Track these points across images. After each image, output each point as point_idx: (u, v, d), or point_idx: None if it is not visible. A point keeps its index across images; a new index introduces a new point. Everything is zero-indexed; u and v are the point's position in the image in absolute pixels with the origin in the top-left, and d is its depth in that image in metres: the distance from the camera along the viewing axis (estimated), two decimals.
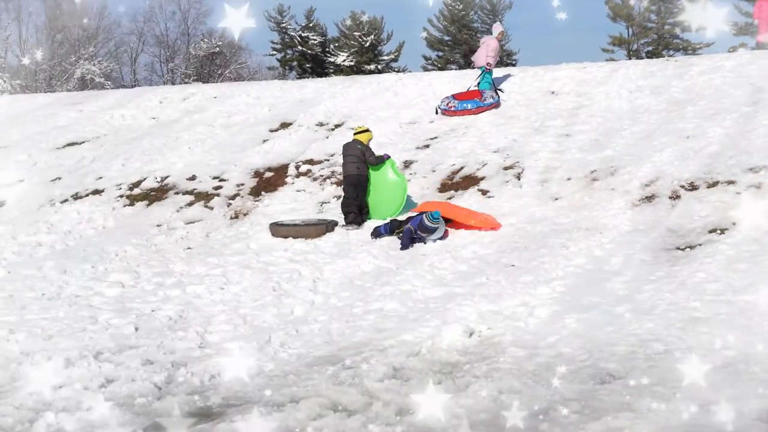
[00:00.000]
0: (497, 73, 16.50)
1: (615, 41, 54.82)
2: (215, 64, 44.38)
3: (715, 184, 10.65)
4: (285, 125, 15.87)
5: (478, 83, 15.44)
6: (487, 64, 15.39)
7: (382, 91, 17.01)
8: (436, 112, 15.12)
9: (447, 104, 15.09)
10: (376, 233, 10.57)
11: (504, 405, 5.14)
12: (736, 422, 4.66)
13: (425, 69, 52.60)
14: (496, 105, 15.04)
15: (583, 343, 6.49)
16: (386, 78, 18.44)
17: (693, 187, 10.71)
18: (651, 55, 50.88)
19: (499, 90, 15.57)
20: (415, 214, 10.56)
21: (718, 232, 9.35)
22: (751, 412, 4.82)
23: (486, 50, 15.50)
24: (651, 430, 4.56)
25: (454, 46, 55.91)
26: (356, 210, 11.26)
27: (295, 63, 55.81)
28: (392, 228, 10.55)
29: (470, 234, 10.28)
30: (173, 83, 36.81)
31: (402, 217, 10.82)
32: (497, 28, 16.16)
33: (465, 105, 14.97)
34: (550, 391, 5.40)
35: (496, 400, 5.25)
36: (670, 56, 46.05)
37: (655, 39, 54.99)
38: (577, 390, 5.42)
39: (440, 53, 55.98)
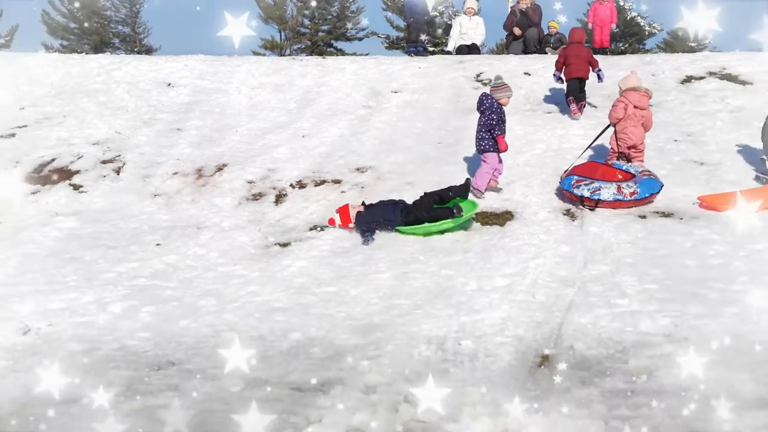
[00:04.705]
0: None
1: (267, 44, 56.99)
2: None
3: (322, 182, 11.67)
4: None
5: None
6: None
7: None
8: None
9: None
10: None
11: (35, 395, 5.27)
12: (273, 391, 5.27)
13: None
14: None
15: (152, 335, 6.81)
16: None
17: (301, 186, 11.63)
18: None
19: None
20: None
21: (318, 229, 10.27)
22: (291, 383, 5.47)
23: None
24: (187, 404, 4.97)
25: (82, 35, 54.19)
26: None
27: None
28: None
29: (46, 228, 10.29)
30: None
31: None
32: None
33: None
34: (98, 379, 5.62)
35: (29, 392, 5.35)
36: None
37: (309, 45, 58.09)
38: (128, 377, 5.70)
39: (65, 42, 53.91)
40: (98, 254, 9.42)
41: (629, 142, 11.18)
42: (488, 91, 11.14)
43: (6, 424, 4.64)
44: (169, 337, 6.70)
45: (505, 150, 10.91)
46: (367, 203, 10.25)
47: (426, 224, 9.77)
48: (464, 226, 9.96)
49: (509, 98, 11.11)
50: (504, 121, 10.98)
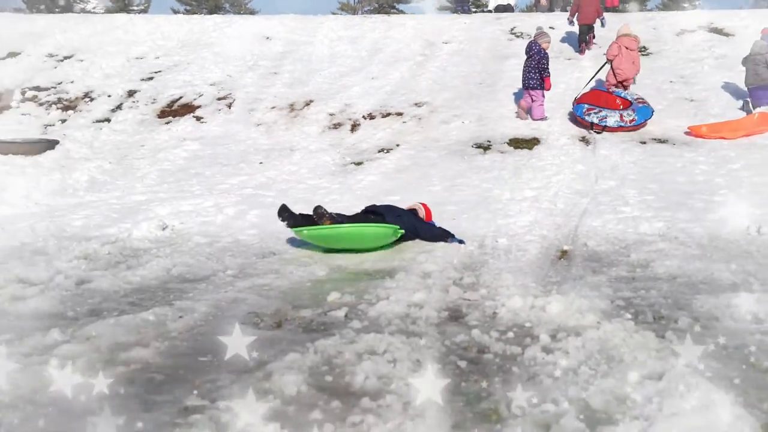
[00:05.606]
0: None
1: (343, 7, 56.01)
2: None
3: (388, 115, 11.55)
4: (12, 54, 14.64)
5: None
6: None
7: (113, 29, 16.18)
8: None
9: None
10: None
11: (173, 274, 5.40)
12: (351, 275, 5.31)
13: None
14: None
15: (257, 232, 6.90)
16: (118, 17, 17.52)
17: (371, 117, 11.52)
18: None
19: None
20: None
21: (385, 151, 10.21)
22: (365, 270, 5.50)
23: None
24: (285, 283, 5.04)
25: (201, 1, 53.71)
26: None
27: (42, 6, 50.54)
28: None
29: (177, 150, 10.40)
30: None
31: None
32: None
33: None
34: (218, 264, 5.72)
35: (168, 271, 5.47)
36: None
37: (377, 7, 56.98)
38: (240, 263, 5.77)
39: (188, 6, 53.52)
40: (216, 170, 9.54)
41: (623, 76, 11.11)
42: (533, 38, 11.08)
43: (154, 296, 4.76)
44: (271, 234, 6.76)
45: (549, 89, 10.86)
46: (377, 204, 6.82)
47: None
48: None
49: (548, 43, 11.07)
50: (548, 64, 10.85)
